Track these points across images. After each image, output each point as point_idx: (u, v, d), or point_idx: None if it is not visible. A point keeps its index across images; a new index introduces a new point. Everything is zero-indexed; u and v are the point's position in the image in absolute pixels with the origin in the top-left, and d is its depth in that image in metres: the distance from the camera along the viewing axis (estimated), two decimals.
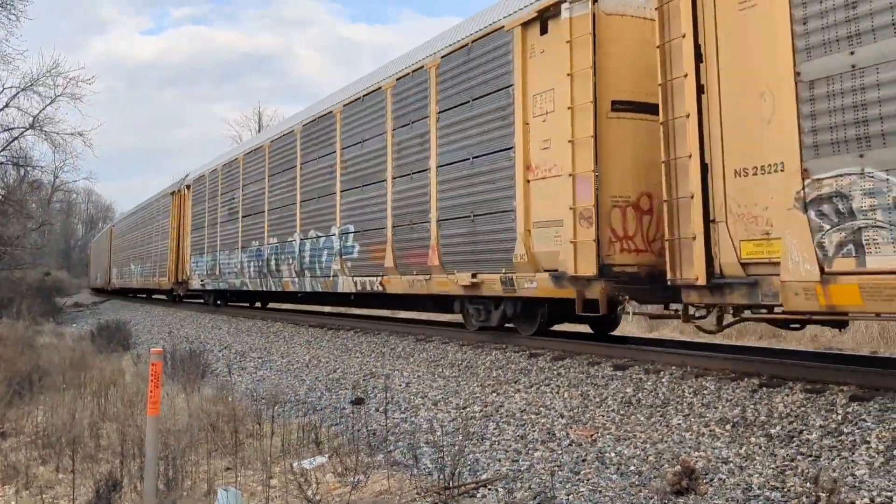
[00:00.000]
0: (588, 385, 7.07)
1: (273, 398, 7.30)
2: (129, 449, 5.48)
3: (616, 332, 10.50)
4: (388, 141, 11.38)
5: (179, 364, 9.61)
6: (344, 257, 12.67)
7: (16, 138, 28.46)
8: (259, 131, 45.04)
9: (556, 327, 10.17)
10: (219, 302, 22.59)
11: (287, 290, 15.61)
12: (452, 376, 8.46)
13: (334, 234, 13.02)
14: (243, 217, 18.05)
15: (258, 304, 22.31)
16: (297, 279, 14.79)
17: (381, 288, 11.55)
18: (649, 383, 6.72)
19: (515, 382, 7.67)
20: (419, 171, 10.54)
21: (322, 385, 9.21)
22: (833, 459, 4.57)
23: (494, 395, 7.38)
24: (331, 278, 13.25)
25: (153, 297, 34.51)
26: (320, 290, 13.86)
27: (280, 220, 15.73)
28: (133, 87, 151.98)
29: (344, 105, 12.99)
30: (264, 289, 16.85)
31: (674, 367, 7.08)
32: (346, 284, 12.70)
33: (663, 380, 6.73)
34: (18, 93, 27.53)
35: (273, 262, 15.90)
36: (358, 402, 7.82)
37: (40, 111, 28.21)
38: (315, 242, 13.89)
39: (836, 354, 8.77)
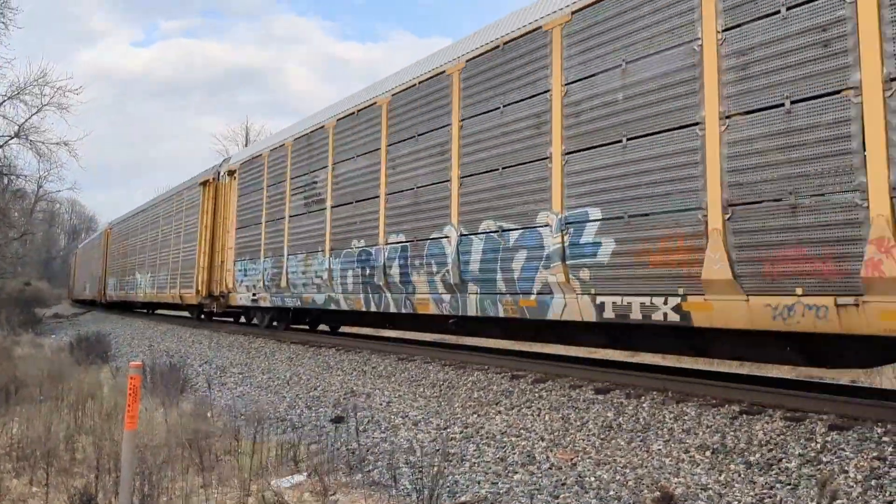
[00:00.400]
0: (569, 408, 7.07)
1: (252, 415, 7.24)
2: (105, 463, 5.41)
3: None
4: (704, 54, 6.62)
5: (159, 378, 9.52)
6: (571, 262, 7.90)
7: (0, 146, 28.34)
8: (246, 145, 44.44)
9: None
10: (276, 323, 16.98)
11: (424, 311, 10.45)
12: (433, 396, 8.43)
13: (546, 225, 8.27)
14: (334, 207, 13.04)
15: (322, 327, 17.24)
16: (447, 296, 9.85)
17: (675, 317, 6.79)
18: (630, 408, 6.73)
19: (497, 404, 7.65)
20: (816, 96, 5.74)
21: (302, 402, 9.15)
22: (812, 488, 4.59)
23: (475, 416, 7.36)
24: (532, 297, 8.43)
25: (156, 311, 29.91)
26: (501, 314, 8.93)
27: (411, 207, 10.80)
28: (121, 99, 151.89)
29: (573, 13, 8.07)
30: (374, 308, 11.60)
31: (655, 392, 7.09)
32: (573, 307, 7.91)
33: (644, 405, 6.74)
34: (4, 101, 27.48)
35: (395, 270, 10.97)
36: (338, 420, 7.77)
37: (26, 120, 28.17)
38: (495, 239, 9.04)
39: (815, 383, 8.82)
